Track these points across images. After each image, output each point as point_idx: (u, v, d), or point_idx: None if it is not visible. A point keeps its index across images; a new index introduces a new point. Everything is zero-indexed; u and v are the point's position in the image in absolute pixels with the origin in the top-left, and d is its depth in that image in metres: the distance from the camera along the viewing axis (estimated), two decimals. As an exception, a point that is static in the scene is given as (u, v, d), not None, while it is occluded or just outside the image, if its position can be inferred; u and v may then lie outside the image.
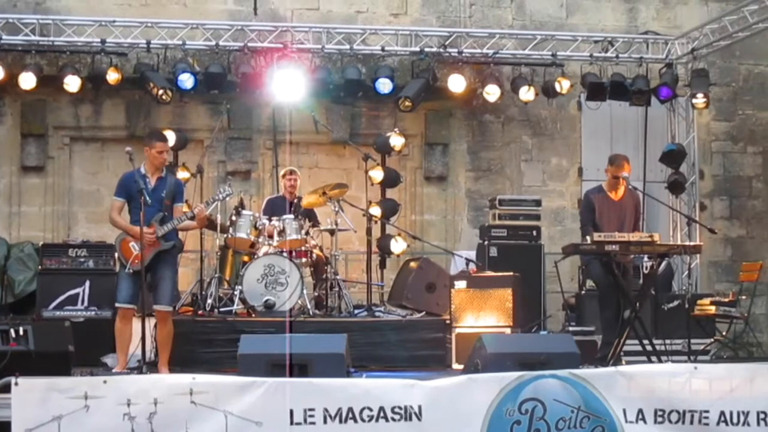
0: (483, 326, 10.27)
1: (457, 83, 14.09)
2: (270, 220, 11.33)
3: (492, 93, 14.28)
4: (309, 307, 10.96)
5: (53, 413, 6.84)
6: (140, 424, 6.91)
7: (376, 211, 12.69)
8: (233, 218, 11.21)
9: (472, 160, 15.04)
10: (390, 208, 13.29)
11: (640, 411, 7.56)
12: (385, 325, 10.94)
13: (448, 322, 10.73)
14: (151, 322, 9.35)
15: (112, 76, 13.35)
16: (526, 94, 14.28)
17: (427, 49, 14.11)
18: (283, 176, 12.33)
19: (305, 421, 7.12)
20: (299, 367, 7.65)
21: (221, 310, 10.94)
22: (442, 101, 14.68)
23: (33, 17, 13.53)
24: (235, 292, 10.93)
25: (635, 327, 9.71)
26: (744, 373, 7.81)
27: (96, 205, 14.16)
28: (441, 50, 14.21)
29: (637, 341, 9.84)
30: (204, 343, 10.22)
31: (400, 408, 7.26)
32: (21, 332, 8.35)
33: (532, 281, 12.23)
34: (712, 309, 12.30)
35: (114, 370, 9.11)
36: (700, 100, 14.26)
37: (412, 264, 12.37)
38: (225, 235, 11.28)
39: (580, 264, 12.08)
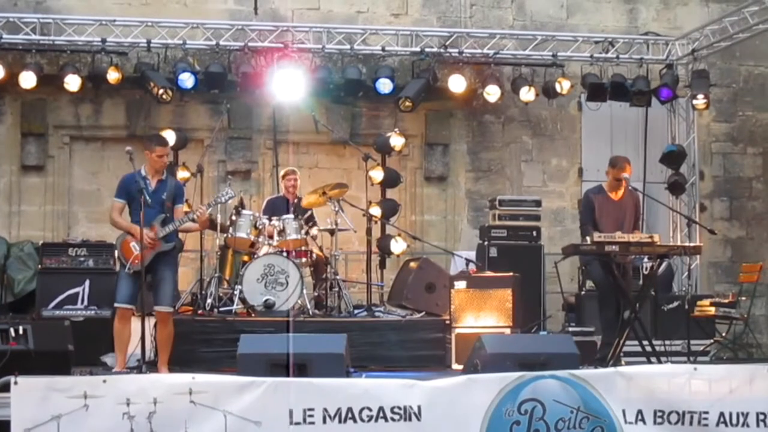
0: (483, 326, 10.28)
1: (457, 83, 14.09)
2: (270, 219, 11.33)
3: (492, 93, 14.27)
4: (309, 306, 10.96)
5: (52, 412, 6.84)
6: (139, 423, 6.91)
7: (376, 211, 12.69)
8: (233, 218, 11.21)
9: (472, 160, 15.04)
10: (390, 209, 13.29)
11: (640, 412, 7.56)
12: (384, 325, 10.95)
13: (447, 322, 10.73)
14: (150, 322, 9.35)
15: (113, 76, 13.35)
16: (527, 94, 14.28)
17: (427, 50, 14.11)
18: (283, 177, 12.34)
19: (304, 420, 7.12)
20: (299, 366, 7.65)
21: (221, 309, 10.94)
22: (442, 101, 14.68)
23: (33, 16, 13.52)
24: (235, 292, 10.93)
25: (635, 328, 9.71)
26: (743, 374, 7.81)
27: (96, 205, 14.16)
28: (441, 50, 14.21)
29: (636, 342, 9.83)
30: (203, 343, 10.22)
31: (399, 408, 7.27)
32: (20, 331, 8.36)
33: (531, 282, 12.22)
34: (712, 310, 12.31)
35: (113, 370, 9.11)
36: (700, 101, 14.26)
37: (412, 264, 12.37)
38: (225, 235, 11.28)
39: (580, 264, 12.10)
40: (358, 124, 14.71)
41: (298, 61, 13.66)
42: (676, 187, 14.50)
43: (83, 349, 9.16)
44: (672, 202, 14.48)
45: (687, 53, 14.52)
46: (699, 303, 12.52)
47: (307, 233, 11.37)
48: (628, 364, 9.12)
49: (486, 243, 12.89)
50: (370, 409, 7.23)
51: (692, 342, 11.63)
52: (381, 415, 7.24)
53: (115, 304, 9.21)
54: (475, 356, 8.33)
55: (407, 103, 13.89)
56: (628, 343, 9.71)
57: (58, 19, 13.47)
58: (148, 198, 8.94)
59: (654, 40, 14.87)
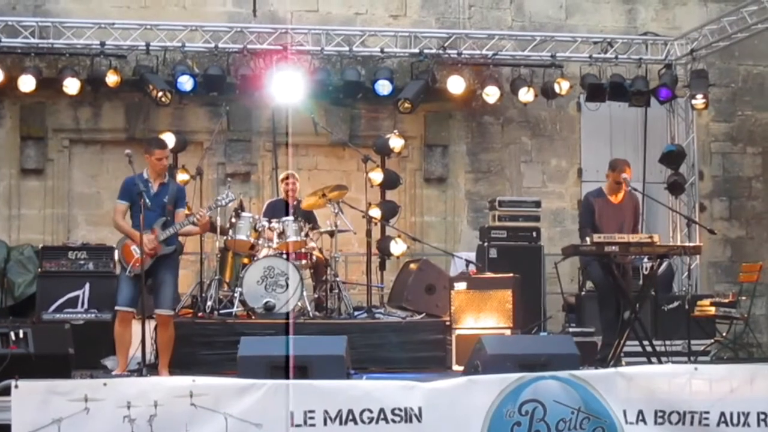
0: (483, 327, 10.28)
1: (456, 85, 14.10)
2: (270, 222, 11.33)
3: (491, 94, 14.28)
4: (309, 308, 10.96)
5: (53, 416, 6.84)
6: (140, 426, 6.91)
7: (375, 212, 12.70)
8: (233, 220, 11.20)
9: (472, 161, 15.04)
10: (390, 210, 13.29)
11: (641, 412, 7.55)
12: (385, 327, 10.94)
13: (448, 323, 10.74)
14: (150, 325, 9.35)
15: (112, 79, 13.35)
16: (526, 95, 14.28)
17: (426, 51, 14.12)
18: (282, 180, 12.34)
19: (305, 423, 7.12)
20: (299, 369, 7.64)
21: (221, 312, 10.93)
22: (441, 103, 14.68)
23: (32, 20, 13.53)
24: (235, 294, 10.92)
25: (635, 328, 9.71)
26: (744, 374, 7.80)
27: (96, 208, 14.17)
28: (440, 52, 14.21)
29: (637, 342, 9.83)
30: (204, 345, 10.21)
31: (400, 410, 7.26)
32: (21, 335, 8.35)
33: (531, 282, 12.21)
34: (712, 310, 12.31)
35: (114, 373, 9.11)
36: (699, 100, 14.26)
37: (412, 265, 12.37)
38: (225, 237, 11.28)
39: (580, 265, 12.08)
40: (357, 125, 14.71)
41: (296, 63, 13.67)
42: (675, 187, 14.50)
43: (84, 353, 9.15)
44: (671, 202, 14.49)
45: (686, 53, 14.52)
46: (699, 303, 12.52)
47: (306, 235, 11.36)
48: (628, 364, 9.11)
49: (486, 244, 12.89)
50: (370, 411, 7.23)
51: (693, 342, 11.63)
52: (382, 416, 7.23)
53: (116, 307, 9.21)
54: (476, 357, 8.32)
55: (406, 105, 13.90)
56: (628, 343, 9.71)
57: (57, 23, 13.48)
58: (147, 201, 8.94)
59: (653, 40, 14.88)
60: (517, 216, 13.23)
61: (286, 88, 13.45)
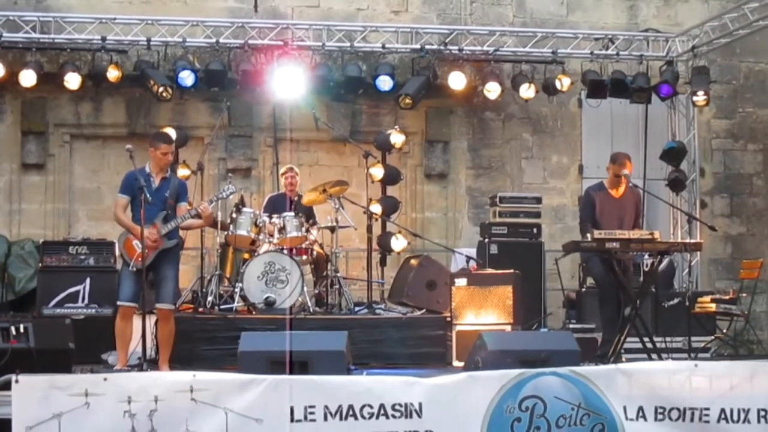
0: (483, 324, 10.27)
1: (457, 81, 14.10)
2: (270, 217, 11.33)
3: (492, 90, 14.29)
4: (309, 304, 10.96)
5: (54, 411, 6.84)
6: (141, 421, 6.91)
7: (376, 208, 12.69)
8: (234, 216, 11.20)
9: (473, 157, 15.04)
10: (390, 206, 13.30)
11: (641, 408, 7.56)
12: (385, 323, 10.94)
13: (448, 319, 10.73)
14: (151, 320, 9.36)
15: (113, 74, 13.35)
16: (527, 91, 14.28)
17: (427, 47, 14.11)
18: (283, 174, 12.34)
19: (306, 418, 7.12)
20: (300, 364, 7.66)
21: (222, 307, 10.93)
22: (442, 99, 14.68)
23: (33, 15, 13.53)
24: (236, 290, 10.92)
25: (636, 324, 9.71)
26: (744, 371, 7.80)
27: (97, 203, 14.18)
28: (441, 48, 14.21)
29: (637, 339, 9.83)
30: (204, 341, 10.21)
31: (400, 405, 7.26)
32: (21, 330, 8.34)
33: (532, 279, 12.21)
34: (713, 306, 12.29)
35: (114, 368, 9.11)
36: (700, 97, 14.27)
37: (413, 261, 12.37)
38: (225, 233, 11.27)
39: (581, 261, 12.08)
40: (358, 121, 14.72)
41: (298, 58, 13.67)
42: (676, 183, 14.50)
43: (84, 348, 9.14)
44: (672, 199, 14.48)
45: (687, 50, 14.51)
46: (700, 300, 12.51)
47: (307, 231, 11.36)
48: (628, 360, 9.12)
49: (486, 240, 12.90)
50: (371, 407, 7.23)
51: (693, 339, 11.63)
52: (382, 412, 7.23)
53: (118, 303, 9.19)
54: (476, 353, 8.33)
55: (407, 101, 13.90)
56: (628, 339, 9.70)
57: (58, 18, 13.48)
58: (149, 196, 8.93)
59: (654, 37, 14.88)
60: (518, 212, 13.24)
61: (287, 84, 13.45)
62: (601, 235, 9.55)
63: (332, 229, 11.69)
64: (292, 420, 7.10)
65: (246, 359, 7.83)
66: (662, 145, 14.68)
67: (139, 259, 8.98)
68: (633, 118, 15.07)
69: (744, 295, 12.72)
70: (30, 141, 14.12)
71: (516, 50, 14.45)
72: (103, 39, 13.33)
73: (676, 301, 12.63)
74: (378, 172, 13.04)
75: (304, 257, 11.36)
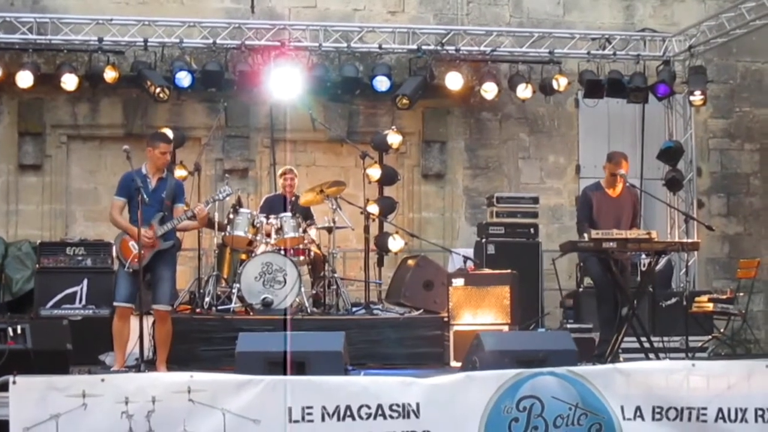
0: (481, 324, 10.27)
1: (454, 81, 14.09)
2: (267, 218, 11.32)
3: (489, 90, 14.28)
4: (307, 305, 10.96)
5: (51, 412, 6.84)
6: (138, 422, 6.91)
7: (373, 208, 12.69)
8: (231, 216, 11.20)
9: (470, 157, 15.05)
10: (388, 206, 13.29)
11: (638, 408, 7.57)
12: (382, 323, 10.94)
13: (445, 319, 10.73)
14: (148, 321, 9.35)
15: (110, 75, 13.34)
16: (524, 91, 14.27)
17: (424, 47, 14.11)
18: (281, 175, 12.34)
19: (303, 418, 7.12)
20: (297, 364, 7.65)
21: (219, 308, 10.93)
22: (439, 99, 14.68)
23: (30, 16, 13.52)
24: (233, 290, 10.92)
25: (633, 324, 9.71)
26: (742, 370, 7.81)
27: (94, 204, 14.17)
28: (438, 48, 14.20)
29: (634, 338, 9.84)
30: (202, 341, 10.20)
31: (398, 405, 7.27)
32: (19, 331, 8.36)
33: (529, 279, 12.23)
34: (710, 306, 12.30)
35: (112, 369, 9.10)
36: (697, 97, 14.27)
37: (410, 262, 12.36)
38: (223, 234, 11.28)
39: (578, 261, 12.09)
40: (355, 121, 14.72)
41: (295, 59, 13.65)
42: (673, 183, 14.51)
43: (81, 348, 9.15)
44: (669, 199, 14.49)
45: (684, 50, 14.52)
46: (697, 299, 12.51)
47: (304, 231, 11.36)
48: (626, 360, 9.14)
49: (484, 240, 12.90)
50: (368, 407, 7.23)
51: (690, 338, 11.60)
52: (380, 412, 7.24)
53: (114, 303, 9.20)
54: (474, 353, 8.33)
55: (404, 101, 13.89)
56: (626, 339, 9.71)
57: (54, 19, 13.47)
58: (146, 197, 8.92)
59: (651, 37, 14.87)
60: (515, 212, 13.23)
61: (284, 85, 13.44)
62: (598, 234, 9.56)
63: (329, 230, 11.69)
64: (289, 420, 7.11)
65: (243, 360, 7.82)
66: (659, 145, 14.68)
67: (135, 260, 8.97)
68: (630, 118, 15.07)
69: (741, 294, 12.74)
70: (27, 142, 14.12)
71: (513, 50, 14.44)
72: (100, 40, 13.32)
73: (673, 300, 12.63)
74: (375, 172, 13.05)
75: (302, 258, 11.36)
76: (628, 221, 10.20)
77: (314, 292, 11.55)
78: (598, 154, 12.51)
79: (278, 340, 7.93)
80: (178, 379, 7.15)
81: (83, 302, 10.85)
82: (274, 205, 11.93)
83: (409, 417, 7.27)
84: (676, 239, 13.66)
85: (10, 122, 14.11)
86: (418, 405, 7.29)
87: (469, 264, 11.42)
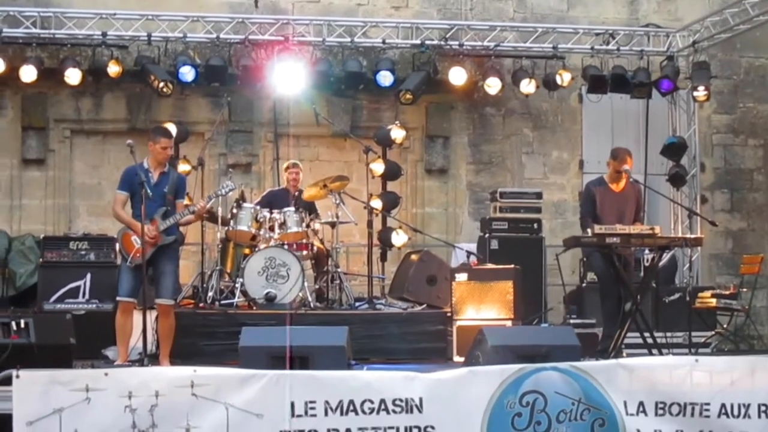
0: (484, 319, 10.28)
1: (457, 76, 14.09)
2: (271, 212, 11.32)
3: (493, 86, 14.28)
4: (310, 299, 10.97)
5: (54, 406, 6.84)
6: (141, 416, 6.91)
7: (377, 203, 12.70)
8: (234, 211, 11.20)
9: (473, 152, 15.04)
10: (391, 201, 13.30)
11: (641, 403, 7.55)
12: (386, 318, 10.95)
13: (449, 314, 10.74)
14: (151, 315, 9.36)
15: (113, 69, 13.35)
16: (527, 86, 14.27)
17: (428, 42, 14.11)
18: (286, 169, 12.35)
19: (306, 413, 7.12)
20: (300, 359, 7.64)
21: (222, 302, 10.94)
22: (442, 94, 14.68)
23: (34, 10, 13.52)
24: (236, 285, 10.92)
25: (636, 319, 9.71)
26: (745, 366, 7.79)
27: (97, 198, 14.18)
28: (442, 43, 14.21)
29: (638, 334, 9.83)
30: (205, 336, 10.22)
31: (401, 400, 7.26)
32: (22, 325, 8.35)
33: (533, 274, 12.20)
34: (713, 302, 12.30)
35: (115, 363, 9.12)
36: (701, 92, 14.26)
37: (413, 257, 12.36)
38: (226, 228, 11.28)
39: (581, 256, 12.09)
40: (358, 116, 14.72)
41: (298, 54, 13.66)
42: (677, 178, 14.51)
43: (85, 343, 9.14)
44: (673, 194, 14.49)
45: (688, 45, 14.51)
46: (700, 295, 12.52)
47: (308, 226, 11.36)
48: (629, 355, 9.14)
49: (487, 235, 12.90)
50: (371, 402, 7.22)
51: (693, 334, 11.64)
52: (383, 407, 7.23)
53: (117, 298, 9.21)
54: (477, 348, 8.32)
55: (408, 96, 13.89)
56: (629, 334, 9.70)
57: (58, 13, 13.48)
58: (149, 191, 8.94)
59: (655, 32, 14.86)
60: (519, 207, 13.23)
61: (288, 79, 13.45)
62: (601, 230, 9.56)
63: (333, 225, 11.69)
64: (292, 415, 7.10)
65: (246, 354, 7.82)
66: (663, 141, 14.68)
67: (138, 254, 8.98)
68: (633, 114, 15.06)
69: (744, 290, 12.74)
70: (30, 136, 14.12)
71: (516, 45, 14.44)
72: (104, 34, 13.33)
73: (676, 296, 12.64)
74: (378, 167, 13.06)
75: (305, 252, 11.37)
76: (632, 216, 10.20)
77: (317, 286, 11.56)
78: (602, 150, 12.50)
79: (281, 335, 7.92)
80: (182, 374, 7.15)
81: (86, 296, 10.89)
82: (278, 199, 11.93)
83: (412, 412, 7.26)
84: (680, 235, 13.65)
85: (13, 117, 14.12)
86: (421, 400, 7.28)
87: (473, 259, 11.41)
